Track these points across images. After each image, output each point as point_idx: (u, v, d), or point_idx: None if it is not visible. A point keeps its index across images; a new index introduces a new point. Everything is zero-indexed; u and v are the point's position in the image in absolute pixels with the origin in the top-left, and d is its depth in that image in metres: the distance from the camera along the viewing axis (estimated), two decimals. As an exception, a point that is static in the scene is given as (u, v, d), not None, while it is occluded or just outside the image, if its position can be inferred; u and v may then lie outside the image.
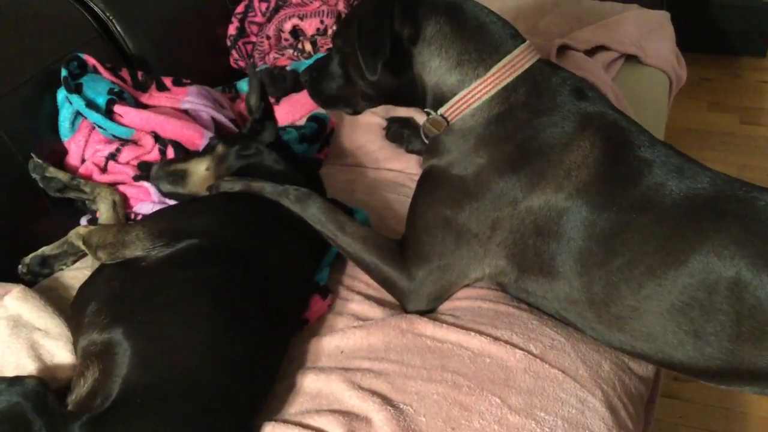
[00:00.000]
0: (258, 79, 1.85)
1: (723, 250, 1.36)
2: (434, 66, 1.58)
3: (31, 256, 1.74)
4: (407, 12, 1.55)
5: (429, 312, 1.60)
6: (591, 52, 2.55)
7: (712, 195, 1.43)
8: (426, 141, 1.68)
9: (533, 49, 1.60)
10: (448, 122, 1.59)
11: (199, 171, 1.81)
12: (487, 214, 1.52)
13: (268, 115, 1.86)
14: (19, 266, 1.72)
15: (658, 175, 1.46)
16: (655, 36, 2.71)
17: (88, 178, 1.90)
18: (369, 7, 1.56)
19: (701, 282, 1.36)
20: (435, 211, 1.58)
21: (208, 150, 1.85)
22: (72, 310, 1.50)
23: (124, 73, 2.10)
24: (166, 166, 1.83)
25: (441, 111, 1.59)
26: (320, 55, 2.46)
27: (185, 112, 2.09)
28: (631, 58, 2.62)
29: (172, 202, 1.84)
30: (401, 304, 1.62)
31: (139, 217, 1.85)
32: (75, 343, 1.45)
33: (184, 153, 1.93)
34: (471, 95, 1.55)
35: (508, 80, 1.54)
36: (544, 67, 1.59)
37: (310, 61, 2.42)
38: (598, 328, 1.48)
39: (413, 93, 1.64)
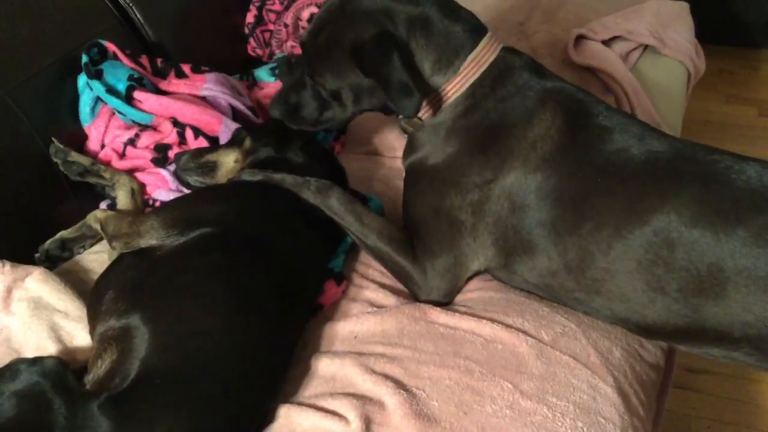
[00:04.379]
0: None
1: (683, 209, 1.40)
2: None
3: (49, 240, 1.76)
4: (399, 40, 1.55)
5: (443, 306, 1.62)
6: (608, 42, 2.53)
7: (672, 157, 1.48)
8: (403, 135, 1.73)
9: (495, 40, 1.64)
10: (422, 121, 1.65)
11: (228, 162, 1.82)
12: (465, 198, 1.56)
13: None
14: (36, 254, 1.74)
15: (618, 141, 1.51)
16: (673, 27, 2.68)
17: (107, 163, 1.93)
18: (375, 53, 1.53)
19: (664, 240, 1.40)
20: (423, 204, 1.63)
21: (236, 142, 1.87)
22: (89, 300, 1.53)
23: (144, 59, 2.12)
24: (196, 157, 1.84)
25: None
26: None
27: (203, 98, 2.11)
28: (649, 49, 2.60)
29: (188, 190, 1.86)
30: (414, 294, 1.64)
31: (157, 204, 1.87)
32: (92, 331, 1.47)
33: (210, 143, 1.94)
34: (442, 95, 1.61)
35: (475, 77, 1.59)
36: (508, 56, 1.64)
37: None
38: (580, 297, 1.52)
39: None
